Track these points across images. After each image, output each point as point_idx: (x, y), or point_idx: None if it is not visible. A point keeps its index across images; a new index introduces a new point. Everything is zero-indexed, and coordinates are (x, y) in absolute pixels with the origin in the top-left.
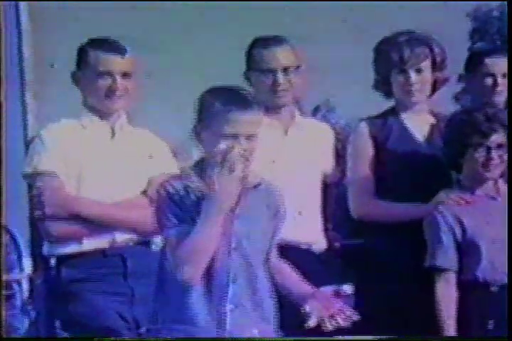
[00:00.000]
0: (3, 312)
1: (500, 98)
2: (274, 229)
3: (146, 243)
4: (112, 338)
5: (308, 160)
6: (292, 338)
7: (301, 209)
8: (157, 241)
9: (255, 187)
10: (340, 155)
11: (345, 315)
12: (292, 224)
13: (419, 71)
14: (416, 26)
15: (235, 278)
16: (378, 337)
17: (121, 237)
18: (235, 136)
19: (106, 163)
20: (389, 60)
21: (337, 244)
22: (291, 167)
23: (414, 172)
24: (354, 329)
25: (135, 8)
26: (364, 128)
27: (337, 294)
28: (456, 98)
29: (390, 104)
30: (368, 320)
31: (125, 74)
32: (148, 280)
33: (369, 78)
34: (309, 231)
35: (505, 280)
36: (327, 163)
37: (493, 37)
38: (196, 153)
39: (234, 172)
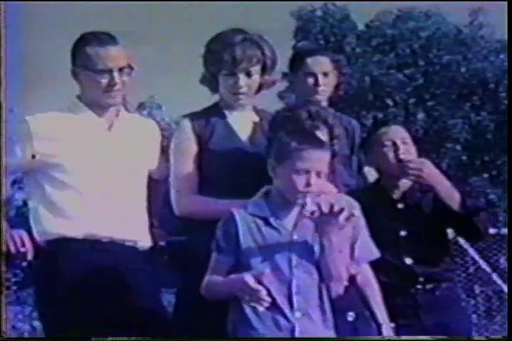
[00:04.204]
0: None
1: (322, 97)
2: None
3: None
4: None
5: (134, 156)
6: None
7: (127, 206)
8: None
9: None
10: (166, 152)
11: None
12: (117, 221)
13: (248, 74)
14: (243, 24)
15: (298, 290)
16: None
17: None
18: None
19: None
20: (220, 59)
21: (162, 242)
22: (115, 163)
23: (237, 170)
24: None
25: None
26: (187, 125)
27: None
28: (281, 96)
29: (216, 98)
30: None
31: None
32: None
33: (195, 74)
34: (134, 227)
35: None
36: (153, 159)
37: (316, 36)
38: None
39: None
